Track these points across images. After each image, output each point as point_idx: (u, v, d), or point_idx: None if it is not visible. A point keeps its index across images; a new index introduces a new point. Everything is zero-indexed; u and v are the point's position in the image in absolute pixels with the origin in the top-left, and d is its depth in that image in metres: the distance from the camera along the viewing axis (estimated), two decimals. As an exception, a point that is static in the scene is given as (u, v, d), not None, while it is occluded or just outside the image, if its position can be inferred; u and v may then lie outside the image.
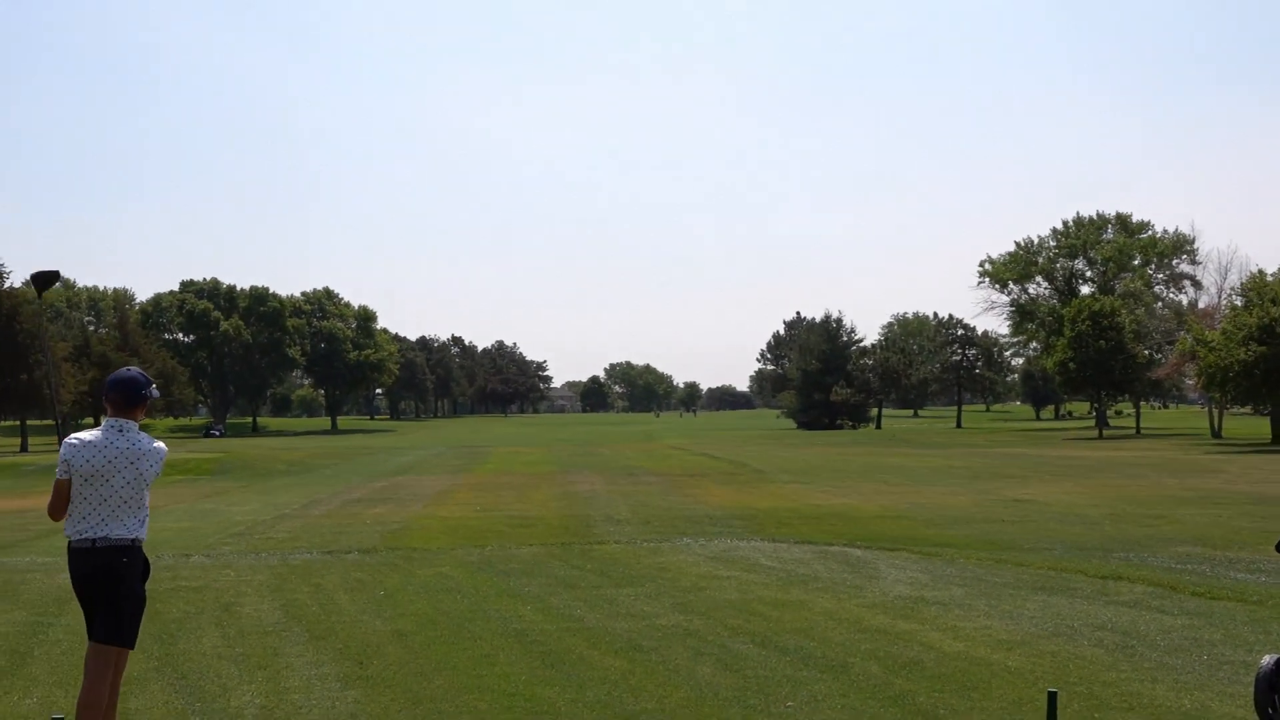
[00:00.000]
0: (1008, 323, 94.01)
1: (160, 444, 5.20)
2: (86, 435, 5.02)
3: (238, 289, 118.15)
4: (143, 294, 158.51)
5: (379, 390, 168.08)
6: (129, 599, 4.99)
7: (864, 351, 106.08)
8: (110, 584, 4.94)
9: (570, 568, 11.84)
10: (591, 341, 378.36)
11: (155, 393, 5.23)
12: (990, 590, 9.95)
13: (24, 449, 63.27)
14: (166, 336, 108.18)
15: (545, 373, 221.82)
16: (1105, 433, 70.35)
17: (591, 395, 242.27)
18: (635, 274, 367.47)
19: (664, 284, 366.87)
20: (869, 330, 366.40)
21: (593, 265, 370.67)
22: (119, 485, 4.97)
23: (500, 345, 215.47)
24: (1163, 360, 71.83)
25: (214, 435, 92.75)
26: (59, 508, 4.99)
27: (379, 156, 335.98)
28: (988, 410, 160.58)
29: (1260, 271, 59.37)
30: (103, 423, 5.14)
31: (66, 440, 5.05)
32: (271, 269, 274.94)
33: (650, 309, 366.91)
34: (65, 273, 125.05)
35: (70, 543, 4.99)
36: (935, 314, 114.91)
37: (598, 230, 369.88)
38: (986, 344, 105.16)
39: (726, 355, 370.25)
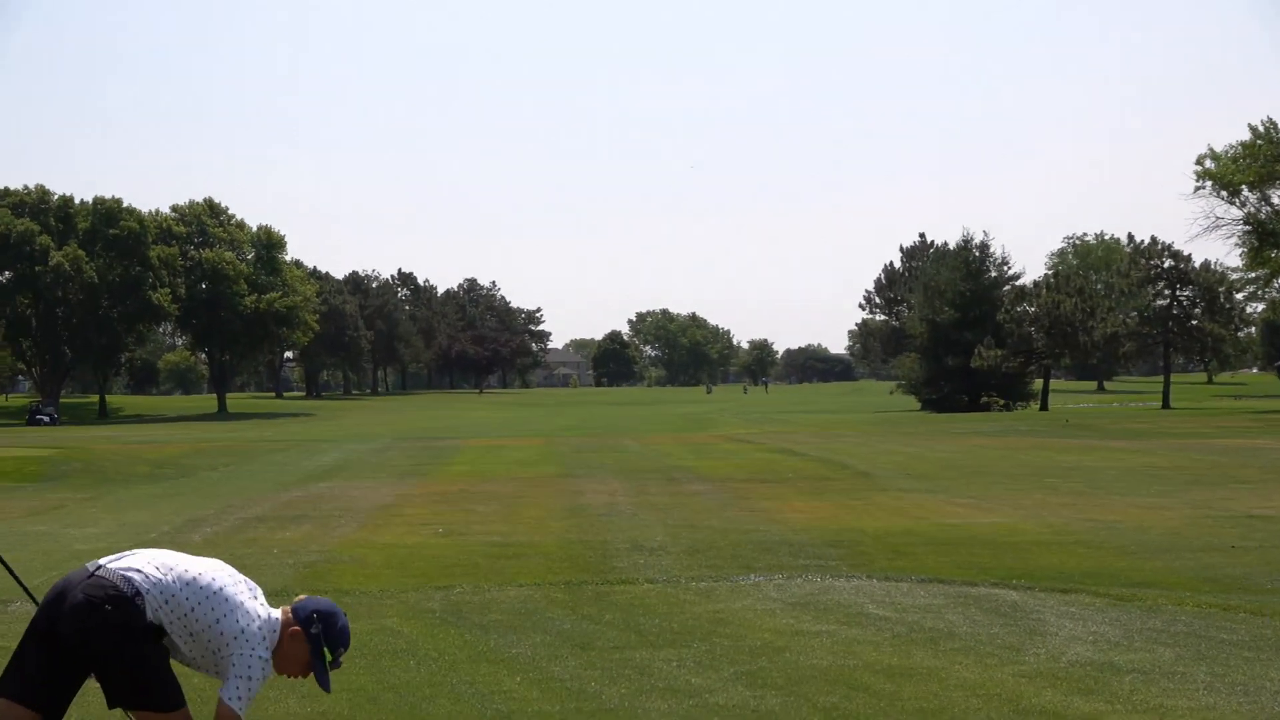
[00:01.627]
0: (1240, 249, 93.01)
1: None
2: None
3: (76, 202, 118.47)
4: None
5: (289, 355, 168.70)
6: None
7: (1022, 293, 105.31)
8: None
9: (580, 619, 11.87)
10: (609, 280, 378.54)
11: None
12: (1213, 652, 9.91)
13: None
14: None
15: (540, 326, 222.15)
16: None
17: (610, 360, 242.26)
18: (672, 181, 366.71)
19: (715, 195, 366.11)
20: (1029, 260, 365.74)
21: (610, 169, 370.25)
22: None
23: (472, 285, 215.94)
24: None
25: (42, 422, 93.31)
26: None
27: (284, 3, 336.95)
28: (1210, 381, 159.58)
29: None
30: None
31: None
32: (127, 173, 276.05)
33: (695, 232, 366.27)
34: None
35: None
36: (1130, 236, 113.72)
37: (617, 119, 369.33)
38: (1208, 281, 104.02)
39: (813, 301, 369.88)
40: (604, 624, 11.56)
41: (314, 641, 6.24)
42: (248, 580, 6.41)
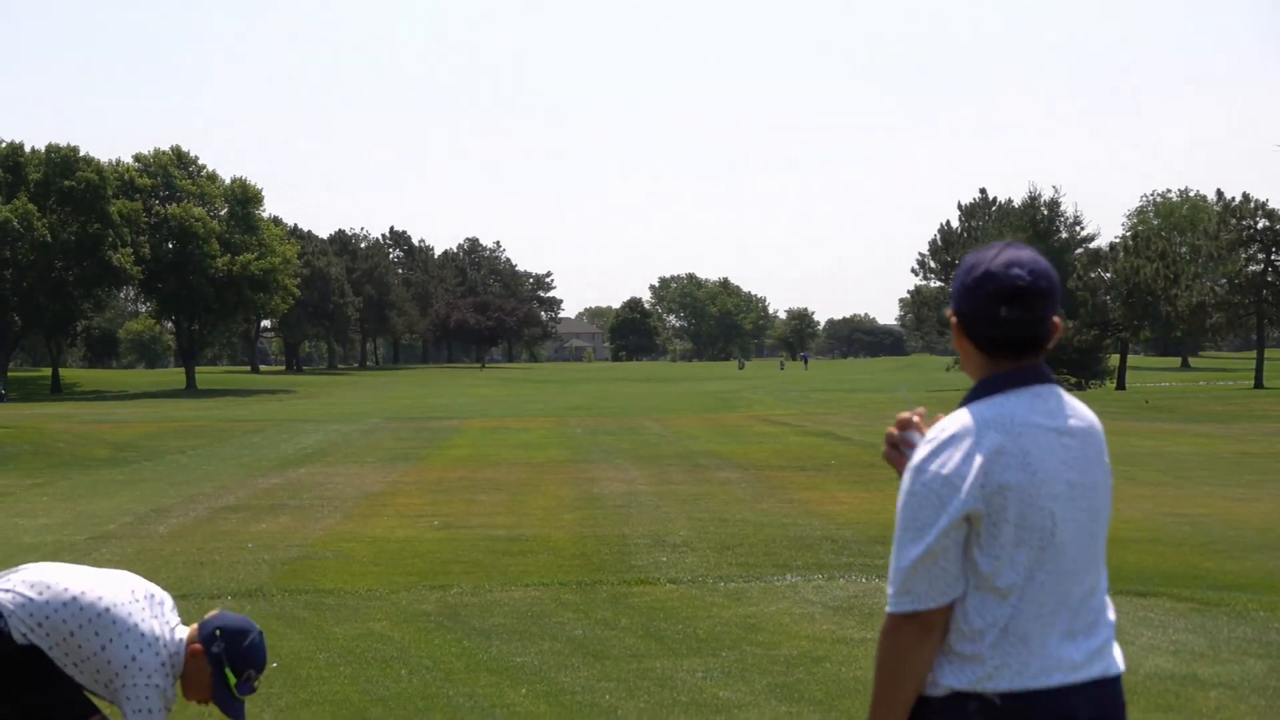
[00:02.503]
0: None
1: None
2: None
3: (27, 150, 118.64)
4: None
5: (267, 324, 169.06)
6: None
7: (1096, 257, 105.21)
8: None
9: (594, 624, 11.89)
10: (629, 242, 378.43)
11: None
12: (1315, 666, 9.91)
13: None
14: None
15: (551, 292, 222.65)
16: None
17: (629, 332, 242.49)
18: (700, 130, 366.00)
19: (749, 147, 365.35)
20: (1105, 220, 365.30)
21: (631, 116, 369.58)
22: None
23: (474, 246, 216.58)
24: None
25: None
26: None
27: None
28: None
29: None
30: None
31: None
32: (86, 117, 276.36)
33: (726, 188, 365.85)
34: None
35: None
36: (1219, 193, 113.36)
37: (639, 58, 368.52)
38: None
39: (859, 265, 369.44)
40: (620, 629, 11.59)
41: (215, 661, 6.18)
42: (155, 592, 6.40)
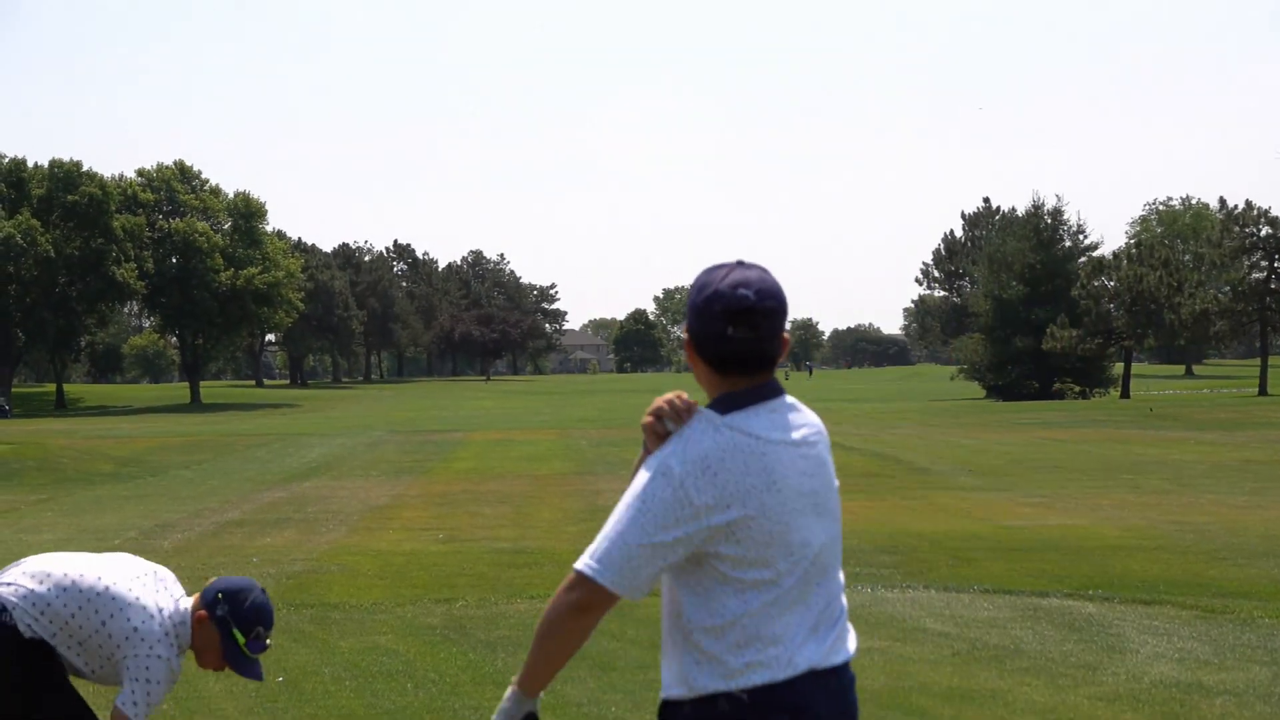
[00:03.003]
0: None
1: None
2: None
3: (30, 165, 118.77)
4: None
5: (271, 338, 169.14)
6: None
7: (1100, 266, 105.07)
8: None
9: (599, 635, 11.83)
10: (633, 253, 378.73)
11: None
12: (1321, 673, 9.91)
13: None
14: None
15: (555, 304, 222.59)
16: None
17: (633, 343, 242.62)
18: (703, 141, 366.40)
19: (752, 156, 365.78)
20: (1108, 229, 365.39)
21: (635, 127, 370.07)
22: None
23: (478, 259, 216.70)
24: None
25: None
26: None
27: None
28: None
29: None
30: None
31: None
32: (89, 132, 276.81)
33: (730, 198, 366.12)
34: None
35: None
36: (1222, 201, 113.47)
37: (642, 69, 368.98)
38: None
39: (863, 275, 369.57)
40: (626, 641, 11.59)
41: (221, 625, 6.15)
42: (158, 570, 6.41)
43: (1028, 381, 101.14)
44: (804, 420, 4.15)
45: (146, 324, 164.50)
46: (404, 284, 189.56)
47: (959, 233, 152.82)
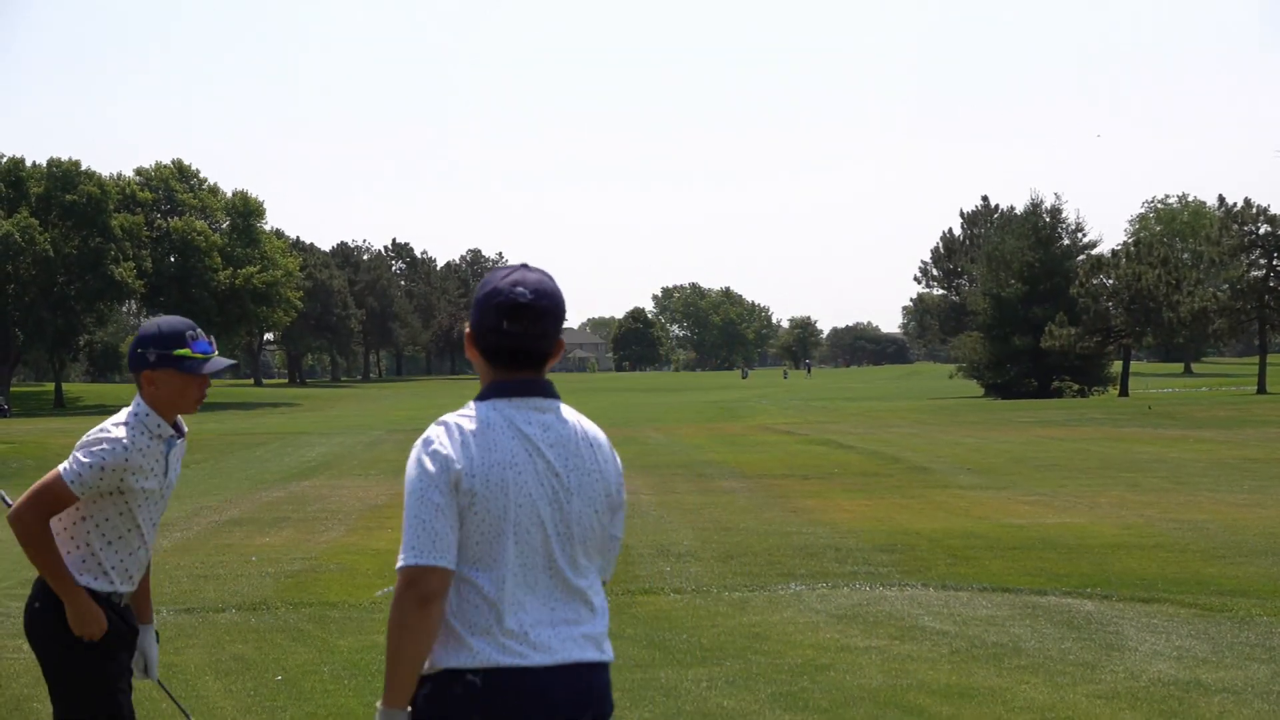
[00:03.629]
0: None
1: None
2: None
3: (28, 164, 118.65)
4: None
5: (269, 337, 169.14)
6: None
7: (1098, 264, 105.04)
8: None
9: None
10: (631, 252, 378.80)
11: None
12: (1318, 671, 9.91)
13: None
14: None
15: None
16: None
17: (632, 341, 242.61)
18: (703, 140, 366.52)
19: (752, 156, 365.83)
20: (1106, 227, 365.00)
21: (633, 125, 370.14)
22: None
23: (476, 257, 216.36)
24: None
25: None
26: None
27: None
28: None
29: None
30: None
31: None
32: (87, 132, 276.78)
33: (729, 197, 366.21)
34: None
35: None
36: (1221, 199, 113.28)
37: (641, 68, 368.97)
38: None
39: (862, 274, 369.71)
40: (625, 639, 11.58)
41: (161, 362, 6.12)
42: None
43: (1026, 380, 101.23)
44: (568, 427, 4.42)
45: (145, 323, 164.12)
46: (402, 283, 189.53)
47: (957, 231, 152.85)
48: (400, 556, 4.22)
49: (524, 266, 4.44)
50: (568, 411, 4.47)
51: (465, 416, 4.32)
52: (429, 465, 4.23)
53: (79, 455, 5.86)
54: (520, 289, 4.34)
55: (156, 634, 6.42)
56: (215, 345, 6.33)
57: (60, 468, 5.86)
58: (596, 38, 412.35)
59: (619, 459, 4.58)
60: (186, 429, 6.41)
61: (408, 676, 4.15)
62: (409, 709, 4.17)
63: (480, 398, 4.39)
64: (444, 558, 4.17)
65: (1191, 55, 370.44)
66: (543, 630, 4.21)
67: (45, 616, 5.91)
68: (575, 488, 4.34)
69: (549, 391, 4.42)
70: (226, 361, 6.31)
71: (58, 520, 5.90)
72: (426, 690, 4.17)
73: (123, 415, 6.08)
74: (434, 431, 4.31)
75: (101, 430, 5.96)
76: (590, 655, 4.28)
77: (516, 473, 4.26)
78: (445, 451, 4.23)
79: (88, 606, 5.83)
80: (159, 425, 6.07)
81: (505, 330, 4.33)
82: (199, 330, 6.26)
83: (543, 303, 4.35)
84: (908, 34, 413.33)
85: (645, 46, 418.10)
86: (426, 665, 4.17)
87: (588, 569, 4.38)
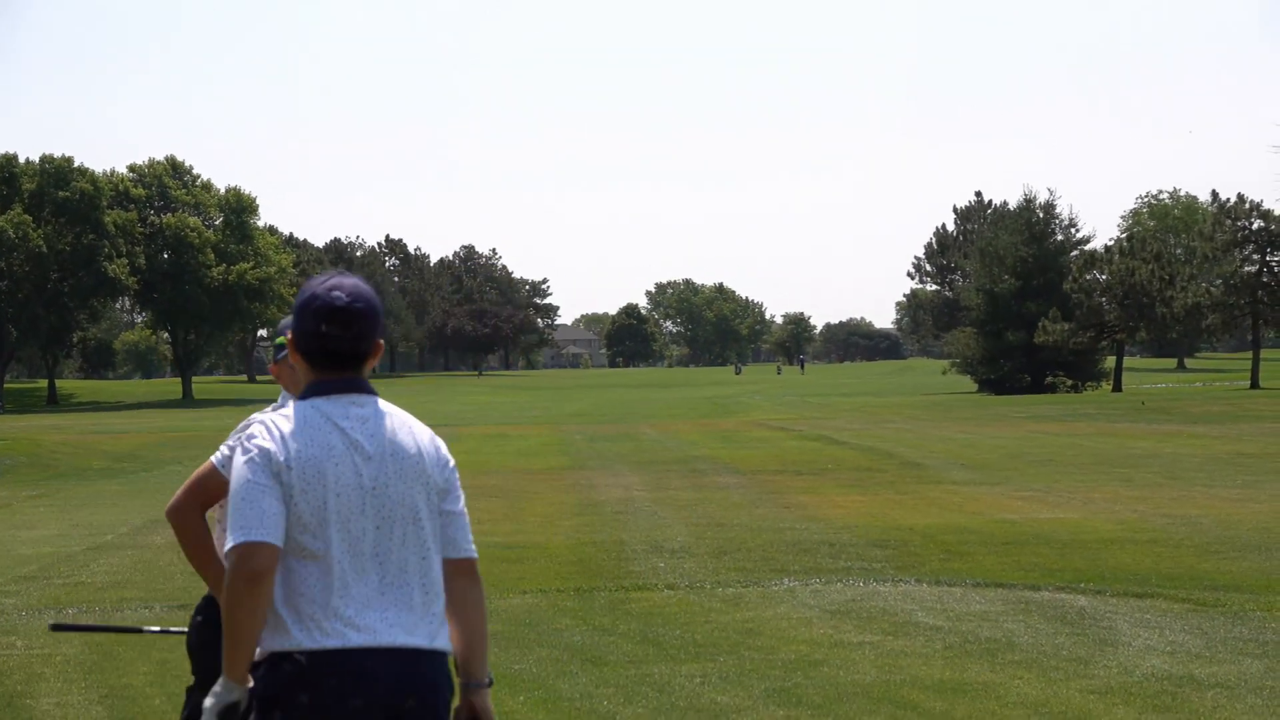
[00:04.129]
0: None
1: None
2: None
3: (21, 160, 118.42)
4: None
5: (262, 333, 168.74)
6: None
7: (1091, 259, 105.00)
8: None
9: (592, 630, 11.90)
10: (625, 248, 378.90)
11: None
12: (1311, 665, 9.93)
13: None
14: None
15: (547, 299, 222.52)
16: None
17: (626, 337, 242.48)
18: (696, 135, 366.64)
19: (745, 152, 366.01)
20: (1099, 222, 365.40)
21: (626, 121, 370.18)
22: None
23: (470, 253, 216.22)
24: None
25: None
26: None
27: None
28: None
29: None
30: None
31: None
32: (80, 128, 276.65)
33: (722, 193, 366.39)
34: None
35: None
36: (1214, 194, 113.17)
37: (633, 64, 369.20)
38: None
39: (855, 270, 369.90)
40: (619, 635, 11.60)
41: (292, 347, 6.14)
42: None
43: (1020, 375, 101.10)
44: (384, 424, 4.65)
45: (138, 319, 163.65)
46: (396, 279, 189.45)
47: (951, 227, 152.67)
48: (229, 537, 4.29)
49: (340, 273, 4.64)
50: (385, 405, 4.67)
51: (283, 415, 4.50)
52: (254, 454, 4.38)
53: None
54: (337, 293, 4.55)
55: None
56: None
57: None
58: (591, 36, 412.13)
59: (442, 444, 4.90)
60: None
61: (245, 652, 4.26)
62: (249, 684, 4.28)
63: (300, 398, 4.57)
64: (271, 534, 4.28)
65: (1184, 52, 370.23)
66: (368, 614, 4.34)
67: (205, 633, 6.21)
68: (395, 474, 4.54)
69: (366, 389, 4.65)
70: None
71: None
72: (261, 671, 4.29)
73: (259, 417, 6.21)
74: (255, 429, 4.50)
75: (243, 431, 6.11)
76: (415, 641, 4.41)
77: (335, 464, 4.42)
78: (266, 445, 4.39)
79: None
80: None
81: (324, 333, 4.52)
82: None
83: (358, 305, 4.57)
84: (901, 31, 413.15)
85: (639, 44, 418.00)
86: (258, 651, 4.29)
87: (418, 553, 4.51)
